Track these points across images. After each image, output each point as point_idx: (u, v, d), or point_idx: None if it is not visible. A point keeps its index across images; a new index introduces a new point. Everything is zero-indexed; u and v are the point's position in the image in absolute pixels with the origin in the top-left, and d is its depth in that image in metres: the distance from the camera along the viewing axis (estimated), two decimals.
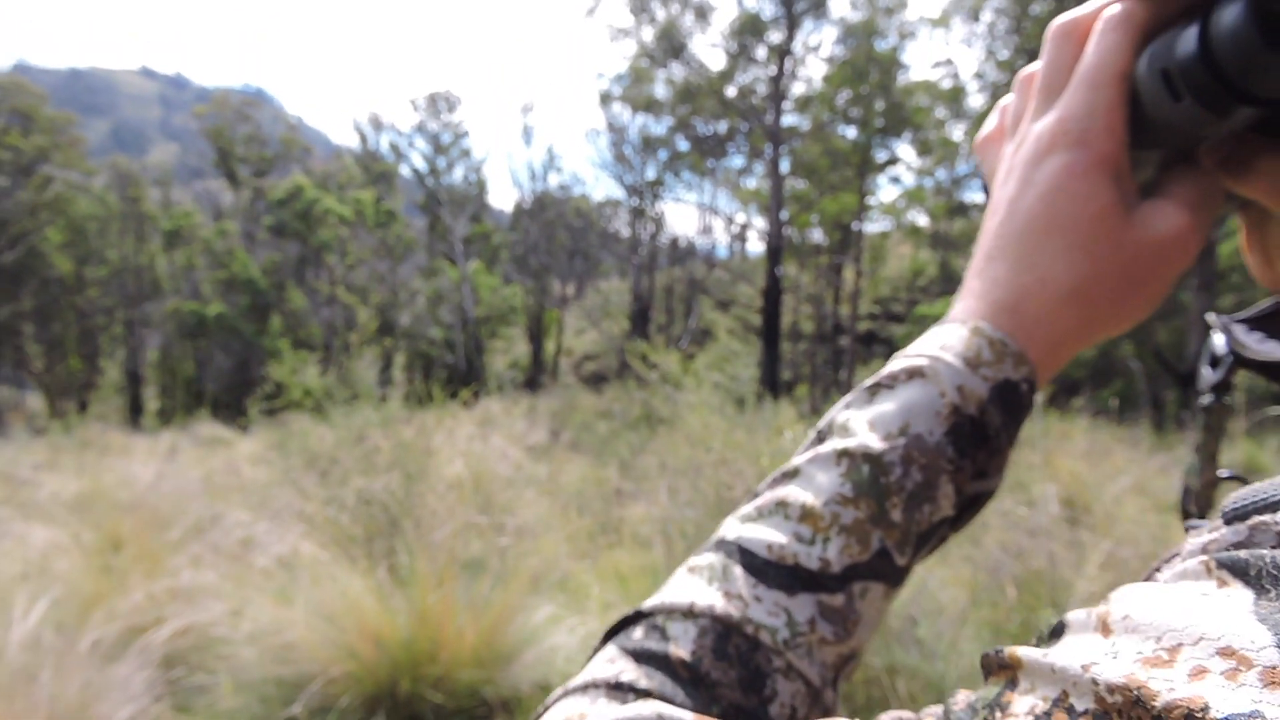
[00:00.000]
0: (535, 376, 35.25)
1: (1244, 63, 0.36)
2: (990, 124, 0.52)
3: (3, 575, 4.68)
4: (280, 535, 4.16)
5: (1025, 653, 0.26)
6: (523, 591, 3.61)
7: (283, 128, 44.48)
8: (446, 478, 5.34)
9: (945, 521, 0.42)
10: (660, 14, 27.16)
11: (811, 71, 61.11)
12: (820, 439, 0.45)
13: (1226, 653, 0.21)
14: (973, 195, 34.40)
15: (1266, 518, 0.26)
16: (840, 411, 0.45)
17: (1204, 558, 0.25)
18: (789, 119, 28.79)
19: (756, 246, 45.11)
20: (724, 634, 0.39)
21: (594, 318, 36.80)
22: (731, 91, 27.79)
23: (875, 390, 0.44)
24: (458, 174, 38.28)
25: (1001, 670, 0.27)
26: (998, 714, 0.25)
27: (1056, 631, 0.28)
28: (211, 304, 34.60)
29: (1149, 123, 0.41)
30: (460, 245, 33.76)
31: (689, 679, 0.38)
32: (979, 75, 26.05)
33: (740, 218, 39.83)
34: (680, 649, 0.38)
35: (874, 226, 36.99)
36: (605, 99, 33.14)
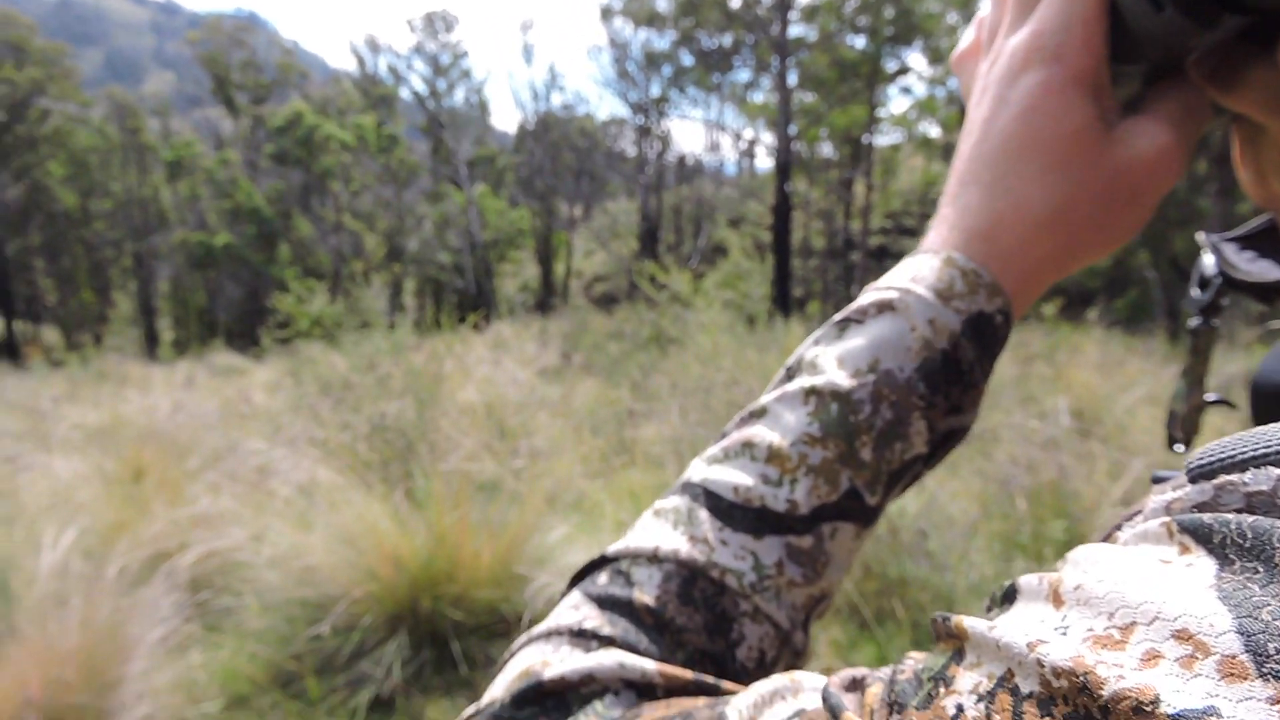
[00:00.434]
0: (545, 299, 35.24)
1: None
2: (967, 39, 0.48)
3: (30, 506, 4.78)
4: (297, 462, 4.22)
5: (972, 624, 0.25)
6: (538, 512, 3.67)
7: (279, 52, 43.58)
8: (460, 402, 5.38)
9: (919, 459, 0.41)
10: None
11: None
12: (789, 376, 0.43)
13: (1183, 636, 0.19)
14: None
15: (1234, 477, 0.23)
16: (809, 348, 0.43)
17: (1166, 519, 0.24)
18: (796, 29, 28.01)
19: (765, 163, 44.49)
20: (689, 579, 0.38)
21: (602, 239, 36.57)
22: (736, 2, 27.00)
23: (845, 325, 0.43)
24: (459, 96, 37.61)
25: (949, 639, 0.26)
26: (941, 689, 0.24)
27: (1008, 596, 0.26)
28: (218, 234, 34.50)
29: (1130, 35, 0.39)
30: (465, 169, 33.37)
31: (653, 625, 0.37)
32: None
33: (748, 134, 39.14)
34: (645, 594, 0.38)
35: (885, 139, 36.28)
36: (606, 14, 32.26)
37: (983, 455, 4.60)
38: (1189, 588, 0.21)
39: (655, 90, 34.14)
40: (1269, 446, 0.23)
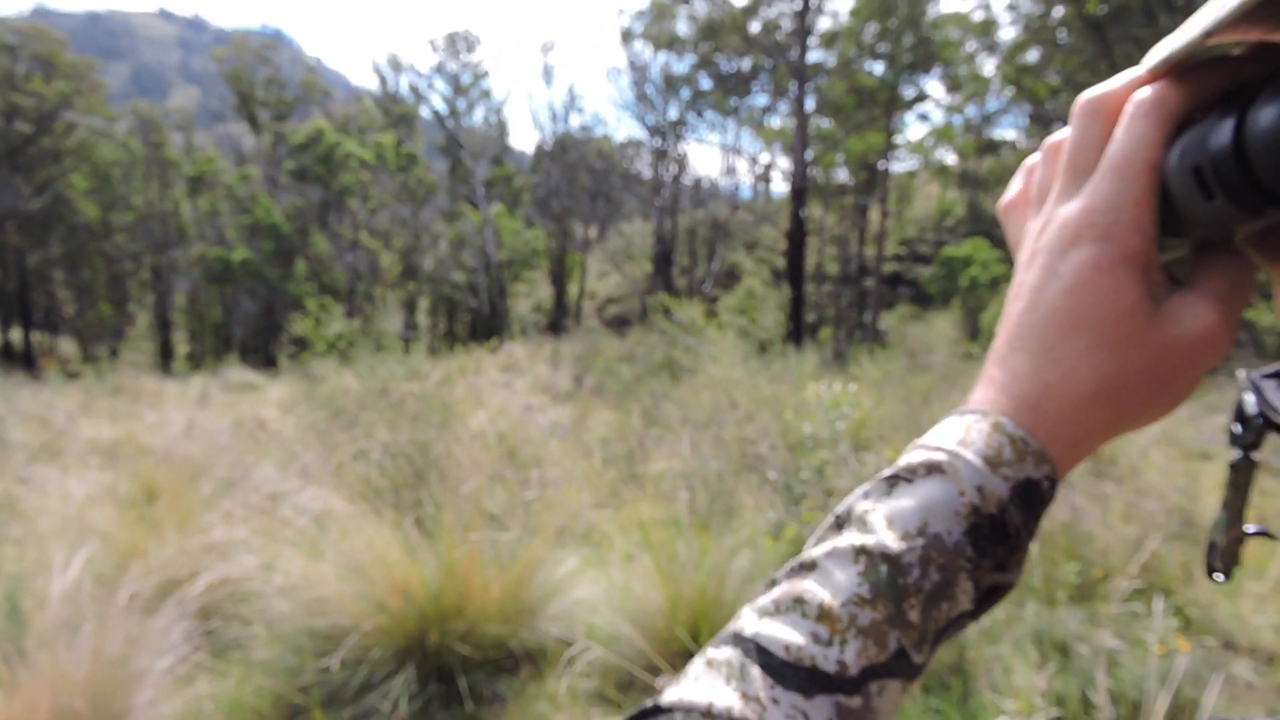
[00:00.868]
0: (558, 320, 35.31)
1: (1278, 169, 0.35)
2: (1015, 188, 0.50)
3: (43, 526, 4.82)
4: (309, 489, 4.23)
5: None
6: (548, 544, 3.67)
7: (302, 70, 44.12)
8: (471, 428, 5.39)
9: (964, 615, 0.42)
10: None
11: (838, 5, 59.50)
12: (838, 525, 0.44)
13: None
14: (1003, 132, 33.67)
15: None
16: (859, 501, 0.44)
17: None
18: (814, 55, 28.14)
19: (780, 187, 44.59)
20: None
21: (617, 260, 36.68)
22: (755, 27, 27.16)
23: (894, 482, 0.43)
24: (478, 115, 37.94)
25: None
26: None
27: None
28: (236, 249, 34.79)
29: (1179, 214, 0.40)
30: (482, 188, 33.59)
31: None
32: (1012, 7, 25.22)
33: (764, 158, 39.32)
34: None
35: (901, 166, 36.35)
36: (627, 37, 32.52)
37: None
38: None
39: (673, 113, 34.33)
40: None
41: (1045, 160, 0.47)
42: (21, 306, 36.29)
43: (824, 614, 0.40)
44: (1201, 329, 0.41)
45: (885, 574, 0.40)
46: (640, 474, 5.39)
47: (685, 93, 33.23)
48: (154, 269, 39.07)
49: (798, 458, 3.91)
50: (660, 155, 36.07)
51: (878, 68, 27.85)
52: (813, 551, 0.44)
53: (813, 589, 0.41)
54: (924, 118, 34.61)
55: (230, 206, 36.71)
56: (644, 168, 41.87)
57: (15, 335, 36.65)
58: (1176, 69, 0.40)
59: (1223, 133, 0.37)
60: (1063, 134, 0.45)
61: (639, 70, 33.01)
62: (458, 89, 37.68)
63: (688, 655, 3.05)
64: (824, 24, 27.78)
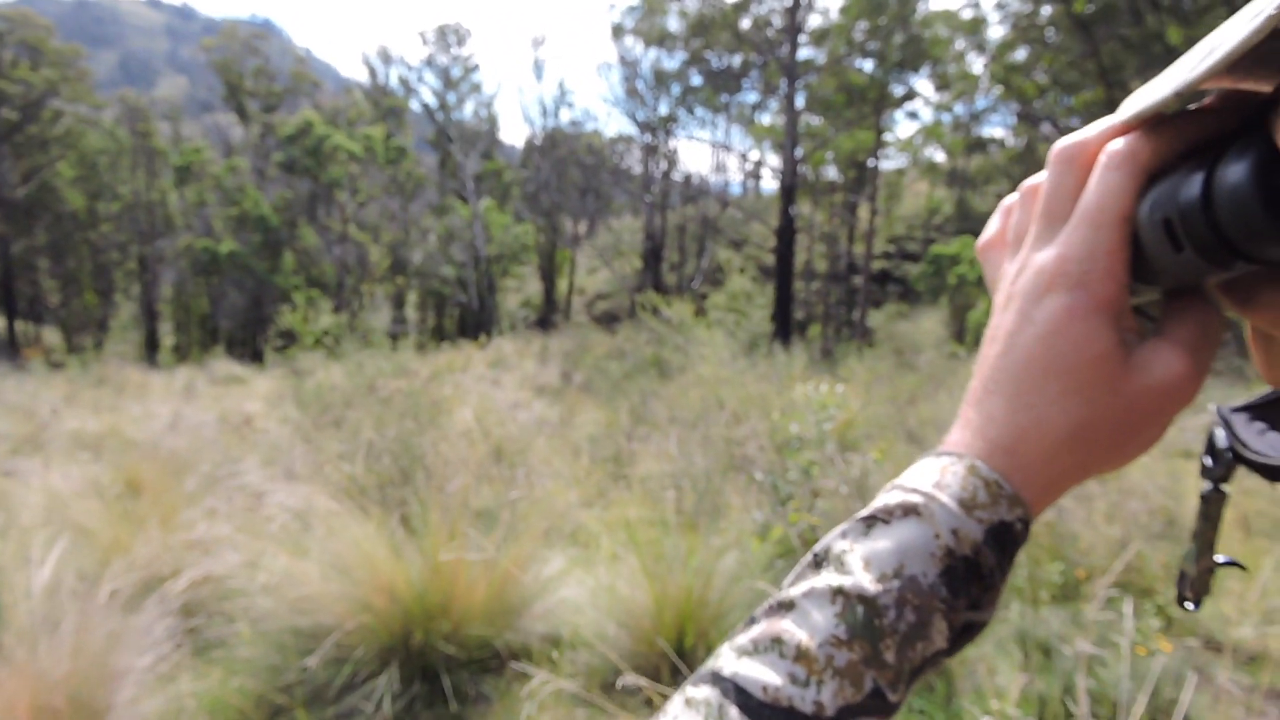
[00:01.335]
0: (548, 315, 35.27)
1: (1246, 227, 0.36)
2: (992, 228, 0.51)
3: (24, 518, 4.77)
4: (294, 486, 4.21)
5: None
6: (534, 544, 3.66)
7: (291, 60, 43.86)
8: (458, 426, 5.38)
9: (939, 653, 0.43)
10: None
11: (828, 3, 59.57)
12: (817, 564, 0.45)
13: None
14: (991, 130, 33.78)
15: None
16: (836, 540, 0.45)
17: None
18: (805, 52, 28.14)
19: (770, 184, 44.61)
20: None
21: (606, 256, 36.66)
22: (746, 24, 27.14)
23: (871, 523, 0.44)
24: (468, 109, 37.79)
25: None
26: None
27: None
28: (224, 241, 34.57)
29: (1150, 263, 0.41)
30: (471, 182, 33.49)
31: None
32: (1001, 5, 25.29)
33: (754, 155, 39.31)
34: None
35: (890, 163, 36.46)
36: (618, 32, 32.45)
37: None
38: None
39: (663, 109, 34.30)
40: None
41: (1022, 203, 0.48)
42: (5, 295, 35.97)
43: (801, 654, 0.41)
44: (1171, 377, 0.42)
45: (862, 615, 0.41)
46: (628, 473, 5.38)
47: (676, 89, 33.19)
48: (140, 259, 38.79)
49: (785, 458, 3.92)
50: (650, 151, 36.05)
51: (868, 65, 27.89)
52: (791, 590, 0.44)
53: (790, 629, 0.42)
54: (913, 115, 34.78)
55: (218, 197, 36.45)
56: (634, 163, 41.82)
57: None
58: (1150, 120, 0.41)
59: (1192, 187, 0.38)
60: (1039, 177, 0.46)
61: (630, 66, 32.95)
62: (448, 82, 37.53)
63: (674, 655, 3.05)
64: (814, 21, 27.81)
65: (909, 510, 0.43)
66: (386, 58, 41.18)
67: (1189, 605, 0.53)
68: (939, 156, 36.97)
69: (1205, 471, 0.50)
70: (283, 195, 35.56)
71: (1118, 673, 2.87)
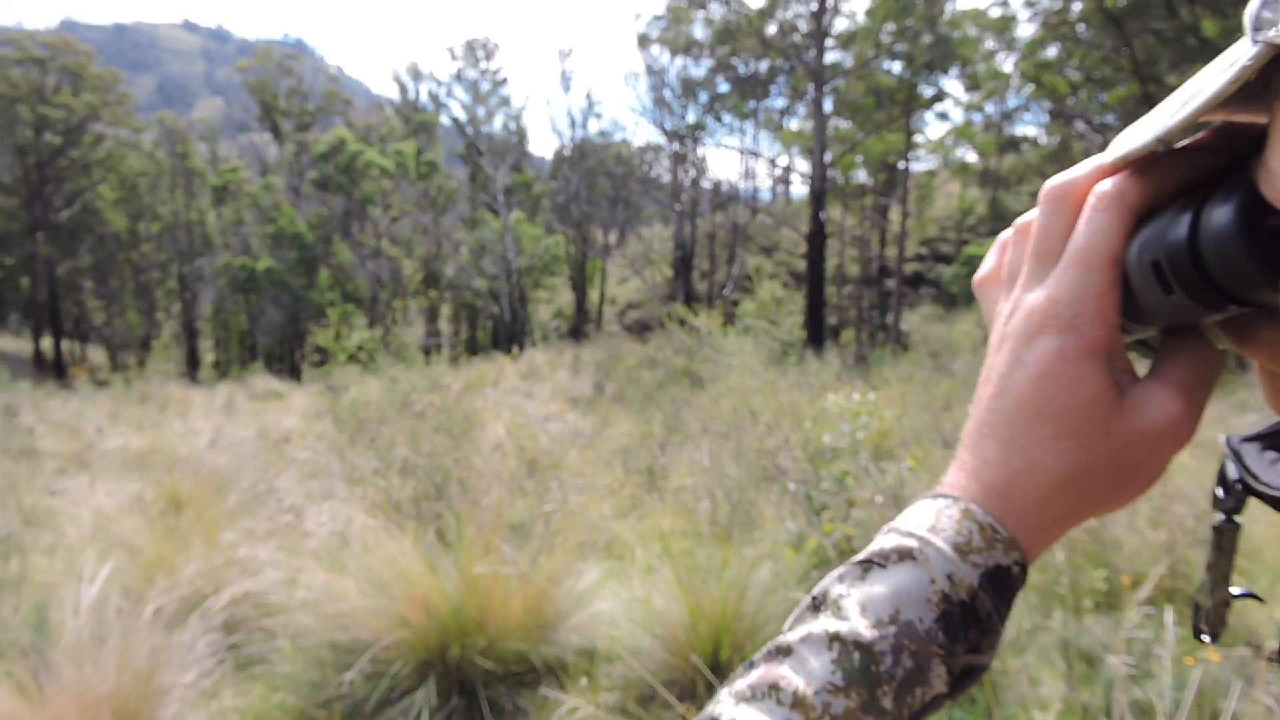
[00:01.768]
0: (579, 325, 35.37)
1: (1232, 272, 0.36)
2: (989, 263, 0.51)
3: (72, 537, 4.88)
4: (332, 502, 4.26)
5: None
6: (568, 556, 3.67)
7: (324, 80, 44.56)
8: (492, 439, 5.41)
9: (939, 697, 0.43)
10: None
11: (854, 5, 59.26)
12: (815, 608, 0.45)
13: None
14: (1023, 129, 33.38)
15: None
16: (834, 584, 0.45)
17: None
18: (832, 56, 28.03)
19: (800, 189, 44.42)
20: None
21: (637, 265, 36.73)
22: (772, 29, 27.10)
23: (868, 567, 0.44)
24: (497, 122, 38.12)
25: None
26: None
27: None
28: (261, 258, 35.14)
29: (1145, 308, 0.41)
30: (502, 195, 33.73)
31: None
32: (1030, 3, 25.01)
33: (783, 160, 39.18)
34: None
35: (920, 165, 36.16)
36: (643, 41, 32.56)
37: None
38: None
39: (691, 117, 34.33)
40: None
41: (1017, 239, 0.47)
42: (52, 316, 36.83)
43: (798, 701, 0.41)
44: (1166, 419, 0.41)
45: (858, 662, 0.41)
46: (661, 484, 5.38)
47: (703, 96, 33.21)
48: (180, 278, 39.55)
49: (818, 468, 3.89)
50: (679, 159, 36.08)
51: (896, 67, 27.71)
52: (789, 636, 0.44)
53: (788, 675, 0.42)
54: (943, 116, 34.43)
55: (254, 216, 37.09)
56: (663, 172, 41.90)
57: (46, 344, 37.21)
58: (1139, 161, 0.41)
59: (1179, 228, 0.38)
60: (1033, 214, 0.46)
61: (656, 75, 33.04)
62: (477, 96, 37.88)
63: (708, 669, 3.03)
64: (841, 25, 27.68)
65: (904, 555, 0.43)
66: (416, 74, 41.71)
67: (1205, 638, 0.53)
68: (970, 157, 36.59)
69: (1217, 503, 0.49)
70: (317, 212, 36.08)
71: (1162, 683, 2.82)
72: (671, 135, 34.34)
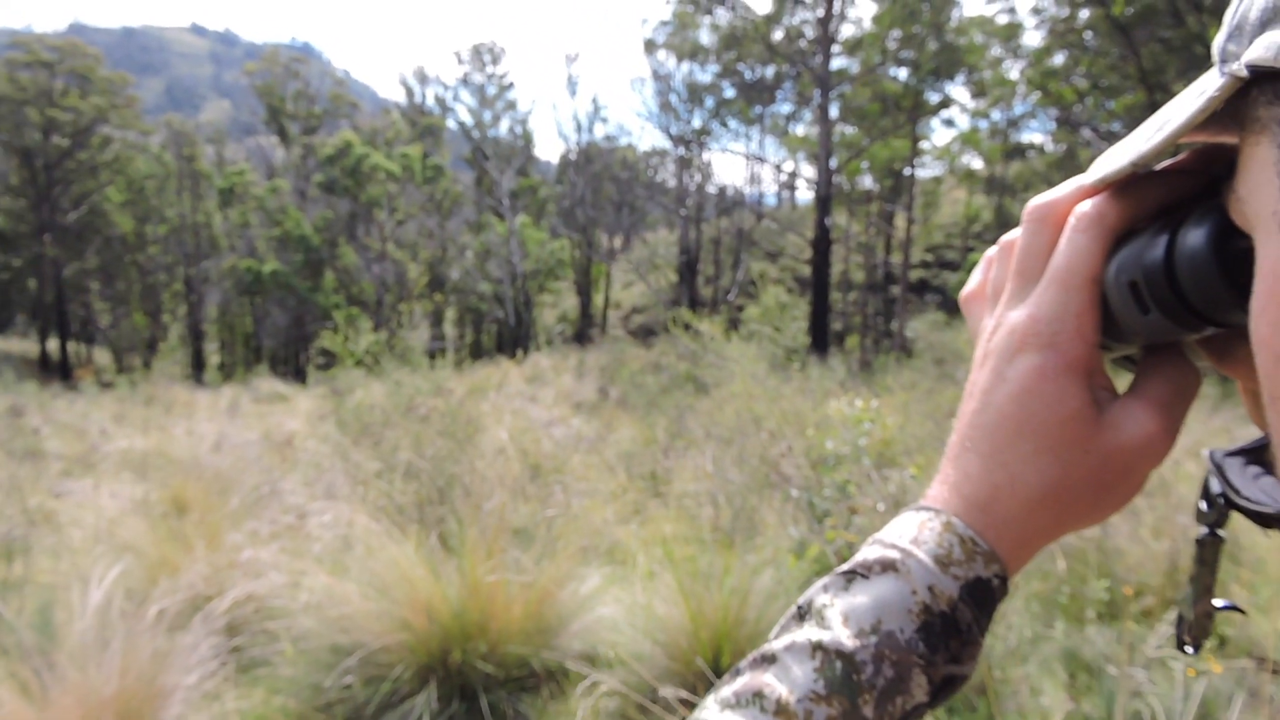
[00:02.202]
0: (584, 330, 35.39)
1: (1205, 292, 0.37)
2: (975, 280, 0.52)
3: (76, 539, 4.90)
4: (335, 505, 4.28)
5: None
6: (570, 562, 3.68)
7: (330, 83, 44.67)
8: (495, 443, 5.42)
9: (920, 707, 0.44)
10: None
11: (861, 12, 59.34)
12: (800, 616, 0.46)
13: None
14: (1030, 136, 33.35)
15: None
16: (819, 594, 0.46)
17: None
18: (838, 62, 28.04)
19: (805, 195, 44.41)
20: None
21: (642, 270, 36.75)
22: (778, 35, 27.13)
23: (851, 577, 0.45)
24: (503, 126, 38.20)
25: None
26: None
27: None
28: (267, 261, 35.23)
29: (1124, 327, 0.42)
30: (507, 199, 33.79)
31: None
32: (1037, 10, 25.00)
33: (788, 166, 39.19)
34: None
35: (926, 172, 36.15)
36: (650, 47, 32.62)
37: None
38: None
39: (697, 122, 34.37)
40: None
41: (1001, 257, 0.49)
42: (58, 317, 36.96)
43: (781, 709, 0.41)
44: (1143, 436, 0.42)
45: (840, 671, 0.42)
46: (664, 490, 5.38)
47: (709, 102, 33.27)
48: (186, 280, 39.67)
49: (821, 475, 3.89)
50: (684, 164, 36.13)
51: (902, 74, 27.73)
52: (774, 644, 0.45)
53: (772, 683, 0.43)
54: (949, 123, 34.39)
55: (260, 218, 37.19)
56: (668, 177, 41.96)
57: (52, 345, 37.33)
58: (1118, 183, 0.42)
59: (1156, 250, 0.39)
60: (1017, 233, 0.47)
61: (662, 80, 33.08)
62: (483, 100, 37.98)
63: (711, 675, 3.04)
64: (847, 31, 27.65)
65: (887, 566, 0.44)
66: (423, 78, 41.85)
67: (1188, 649, 0.54)
68: (976, 163, 36.57)
69: (1200, 517, 0.50)
70: (323, 215, 36.17)
71: (1168, 695, 2.81)
72: (677, 140, 34.39)
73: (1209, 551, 0.51)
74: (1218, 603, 0.52)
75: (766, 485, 4.21)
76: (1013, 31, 28.55)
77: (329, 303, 33.36)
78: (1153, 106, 19.26)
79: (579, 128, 37.47)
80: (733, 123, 35.11)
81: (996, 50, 29.21)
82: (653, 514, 5.04)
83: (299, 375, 29.85)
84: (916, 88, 26.98)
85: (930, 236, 38.93)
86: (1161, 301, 0.39)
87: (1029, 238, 0.46)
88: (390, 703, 3.04)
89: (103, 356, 42.23)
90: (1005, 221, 37.19)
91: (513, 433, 5.50)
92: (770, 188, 51.69)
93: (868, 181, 35.31)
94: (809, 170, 36.05)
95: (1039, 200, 0.46)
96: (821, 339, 22.48)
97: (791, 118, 36.59)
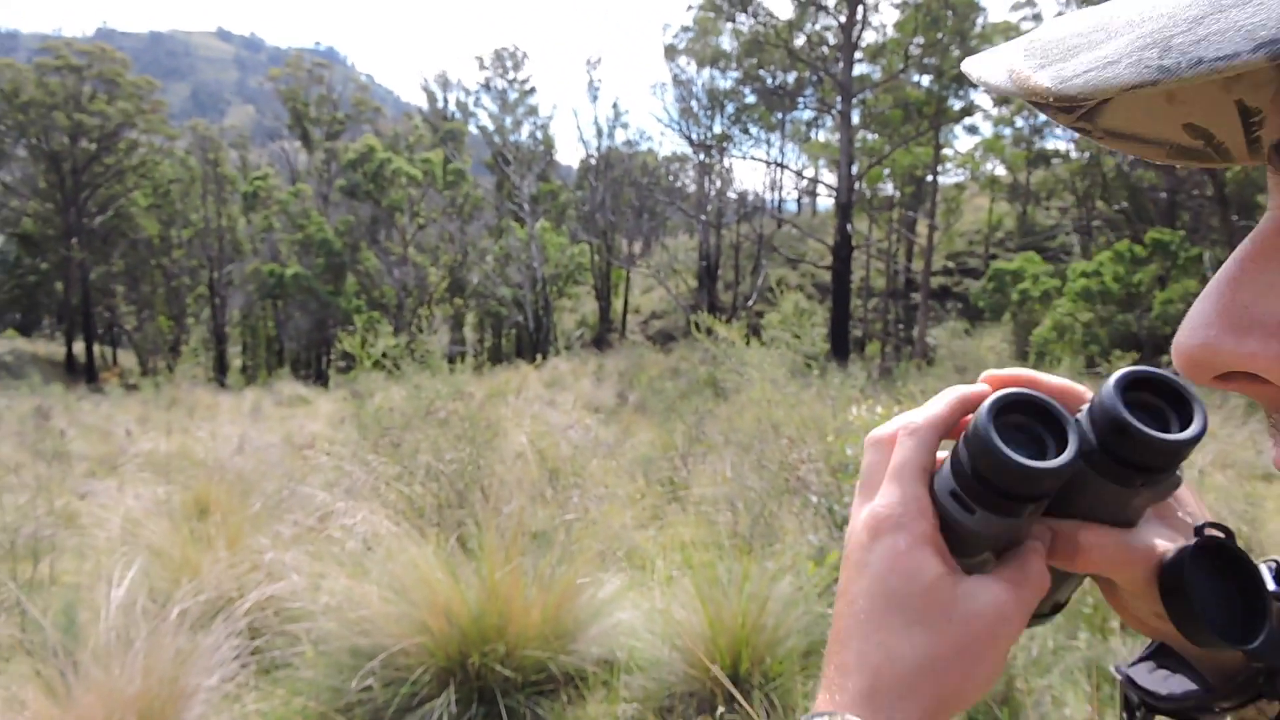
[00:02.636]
0: (603, 335, 35.44)
1: (996, 469, 0.43)
2: (867, 472, 0.58)
3: (101, 539, 4.95)
4: (355, 508, 4.30)
5: None
6: (589, 566, 3.67)
7: (353, 88, 45.06)
8: (514, 447, 5.43)
9: None
10: None
11: (884, 18, 59.10)
12: None
13: None
14: (1054, 143, 33.06)
15: None
16: None
17: None
18: (860, 68, 27.99)
19: (826, 201, 44.21)
20: None
21: (661, 275, 36.75)
22: (800, 41, 27.09)
23: None
24: (524, 131, 38.36)
25: None
26: None
27: None
28: (289, 265, 35.52)
29: (963, 534, 0.47)
30: (528, 204, 33.91)
31: None
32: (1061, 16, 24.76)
33: (809, 172, 39.10)
34: None
35: (948, 179, 35.94)
36: (671, 52, 32.67)
37: None
38: None
39: (717, 128, 34.37)
40: None
41: (871, 450, 0.55)
42: (84, 320, 37.42)
43: None
44: (995, 605, 0.46)
45: None
46: (682, 495, 5.38)
47: (730, 107, 33.26)
48: (210, 284, 40.05)
49: (840, 481, 3.88)
50: (704, 170, 36.13)
51: (925, 80, 27.61)
52: None
53: None
54: (972, 130, 34.16)
55: (283, 223, 37.51)
56: (688, 182, 41.98)
57: (78, 348, 37.78)
58: (936, 417, 0.51)
59: (960, 452, 0.46)
60: (889, 428, 0.54)
61: (683, 86, 33.13)
62: (504, 105, 38.16)
63: (728, 682, 3.02)
64: (870, 37, 27.56)
65: None
66: (445, 83, 42.12)
67: None
68: (1000, 170, 36.32)
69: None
70: (345, 219, 36.44)
71: None
72: (697, 146, 34.41)
73: None
74: None
75: (786, 491, 4.20)
76: None
77: (350, 306, 33.59)
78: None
79: (599, 133, 37.61)
80: (753, 129, 35.10)
81: None
82: (671, 519, 5.03)
83: (320, 378, 30.06)
84: (939, 94, 26.86)
85: (952, 244, 38.67)
86: (974, 494, 0.45)
87: (869, 458, 0.53)
88: (410, 705, 3.05)
89: (128, 359, 42.69)
90: (1028, 229, 36.91)
91: (532, 437, 5.51)
92: (791, 194, 51.66)
93: (889, 188, 35.16)
94: (830, 176, 35.92)
95: (875, 432, 0.53)
96: (841, 346, 22.39)
97: (812, 124, 36.54)
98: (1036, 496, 0.44)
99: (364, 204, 35.95)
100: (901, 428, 0.51)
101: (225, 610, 3.38)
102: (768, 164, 39.80)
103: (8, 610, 4.07)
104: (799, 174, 37.41)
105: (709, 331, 6.29)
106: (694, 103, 33.30)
